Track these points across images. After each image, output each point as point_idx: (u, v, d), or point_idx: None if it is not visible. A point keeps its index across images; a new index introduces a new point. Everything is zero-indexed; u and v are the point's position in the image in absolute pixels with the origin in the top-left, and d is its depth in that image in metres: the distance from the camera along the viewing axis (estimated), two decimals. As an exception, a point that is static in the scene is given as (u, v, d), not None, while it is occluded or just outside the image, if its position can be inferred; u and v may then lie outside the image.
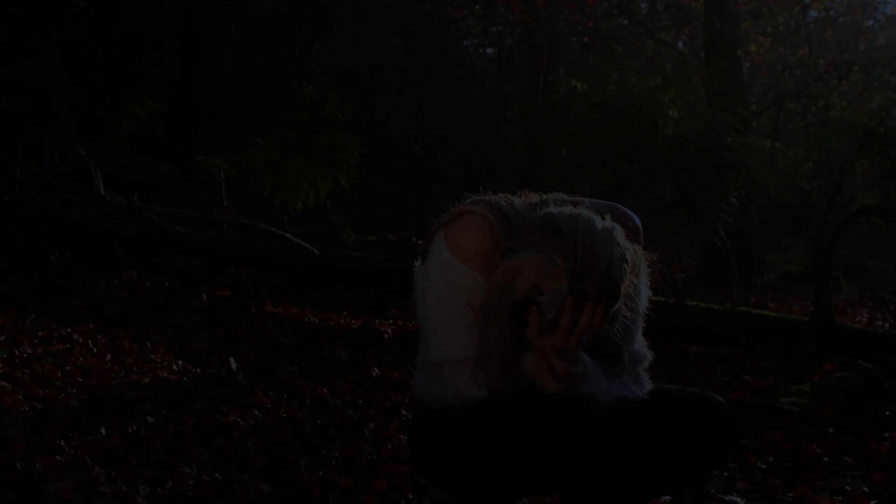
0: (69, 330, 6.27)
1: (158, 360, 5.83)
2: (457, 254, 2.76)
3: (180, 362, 5.82)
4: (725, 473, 4.18)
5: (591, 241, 2.59)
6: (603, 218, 2.67)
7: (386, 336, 6.94)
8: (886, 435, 4.74)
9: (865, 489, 4.00)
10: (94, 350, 5.91)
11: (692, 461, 2.92)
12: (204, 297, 7.77)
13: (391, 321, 7.54)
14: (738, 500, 3.82)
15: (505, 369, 2.72)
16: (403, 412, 4.96)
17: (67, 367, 5.41)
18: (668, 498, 3.79)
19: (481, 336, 2.73)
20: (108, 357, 5.79)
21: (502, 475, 2.78)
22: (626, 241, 2.67)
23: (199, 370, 5.70)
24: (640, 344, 2.97)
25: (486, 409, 2.77)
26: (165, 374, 5.55)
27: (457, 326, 2.79)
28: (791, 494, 3.91)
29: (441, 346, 2.82)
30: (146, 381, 5.35)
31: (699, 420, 2.89)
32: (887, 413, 5.12)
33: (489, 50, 18.66)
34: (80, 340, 6.04)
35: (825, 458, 4.38)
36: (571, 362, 2.66)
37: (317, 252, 8.36)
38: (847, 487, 4.00)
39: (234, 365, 5.82)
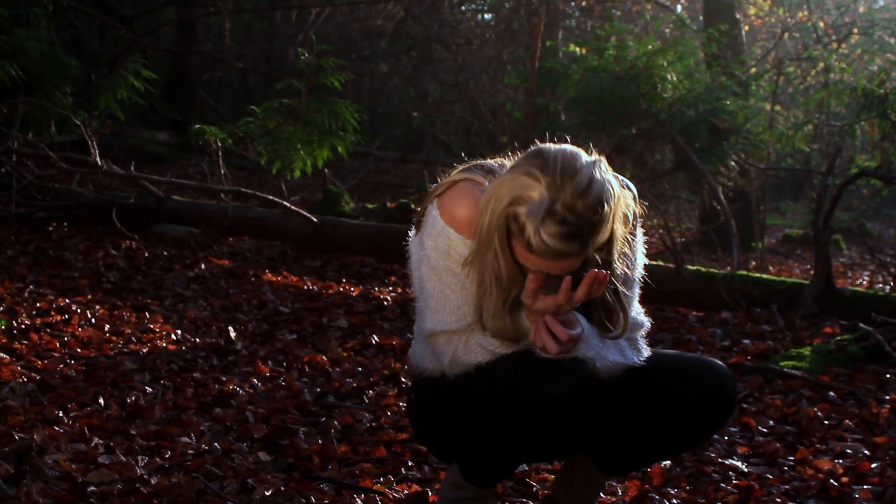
0: (67, 301, 6.26)
1: (157, 330, 5.82)
2: (451, 222, 2.74)
3: (179, 332, 5.81)
4: (726, 438, 4.18)
5: (572, 157, 2.59)
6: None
7: (385, 304, 6.93)
8: (887, 398, 4.73)
9: (866, 452, 3.99)
10: (93, 321, 5.90)
11: (692, 426, 2.91)
12: (202, 266, 7.76)
13: (390, 289, 7.53)
14: (739, 464, 3.82)
15: (505, 302, 2.71)
16: (403, 380, 4.96)
17: (66, 338, 5.40)
18: (668, 462, 3.79)
19: (479, 275, 2.71)
20: (107, 327, 5.78)
21: (500, 442, 2.77)
22: (615, 179, 2.65)
23: (197, 340, 5.69)
24: (638, 311, 2.95)
25: (483, 376, 2.76)
26: (164, 344, 5.54)
27: (452, 296, 2.78)
28: (792, 458, 3.91)
29: (436, 316, 2.81)
30: (145, 351, 5.35)
31: (698, 385, 2.87)
32: (888, 376, 5.11)
33: (487, 16, 18.59)
34: (79, 311, 6.03)
35: (826, 422, 4.37)
36: (568, 324, 2.65)
37: (315, 220, 8.34)
38: (848, 451, 4.00)
39: (232, 334, 5.82)
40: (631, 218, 2.73)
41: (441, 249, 2.76)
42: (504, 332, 2.73)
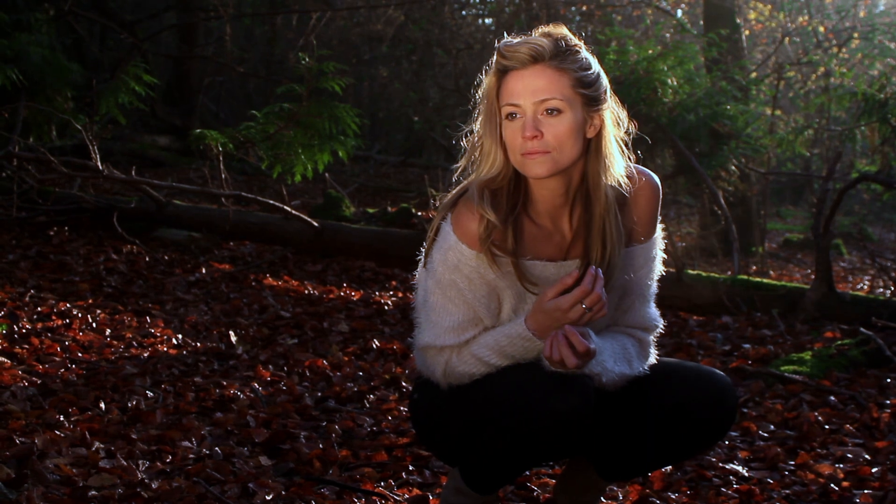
0: (68, 305, 6.27)
1: (158, 335, 5.82)
2: (463, 238, 2.74)
3: (180, 336, 5.82)
4: (727, 442, 4.18)
5: None
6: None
7: (386, 308, 6.93)
8: (888, 402, 4.73)
9: (867, 457, 3.99)
10: (94, 325, 5.90)
11: (692, 437, 2.91)
12: (203, 270, 7.76)
13: (391, 293, 7.53)
14: (740, 468, 3.82)
15: (505, 163, 2.74)
16: (404, 384, 4.96)
17: (67, 343, 5.40)
18: (669, 467, 3.79)
19: (486, 151, 2.76)
20: (108, 332, 5.78)
21: (501, 453, 2.77)
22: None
23: (198, 344, 5.70)
24: (655, 312, 2.96)
25: (487, 386, 2.76)
26: (165, 349, 5.55)
27: (453, 311, 2.78)
28: (792, 463, 3.91)
29: (434, 329, 2.82)
30: (145, 355, 5.35)
31: (700, 396, 2.87)
32: (888, 380, 5.11)
33: (488, 20, 18.58)
34: (80, 315, 6.03)
35: (826, 427, 4.37)
36: (583, 337, 2.65)
37: (316, 224, 8.34)
38: (848, 455, 4.00)
39: (233, 338, 5.82)
40: (621, 118, 2.78)
41: (450, 264, 2.76)
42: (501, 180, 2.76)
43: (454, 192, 2.83)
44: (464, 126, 2.85)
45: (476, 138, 2.79)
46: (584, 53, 2.71)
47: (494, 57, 2.71)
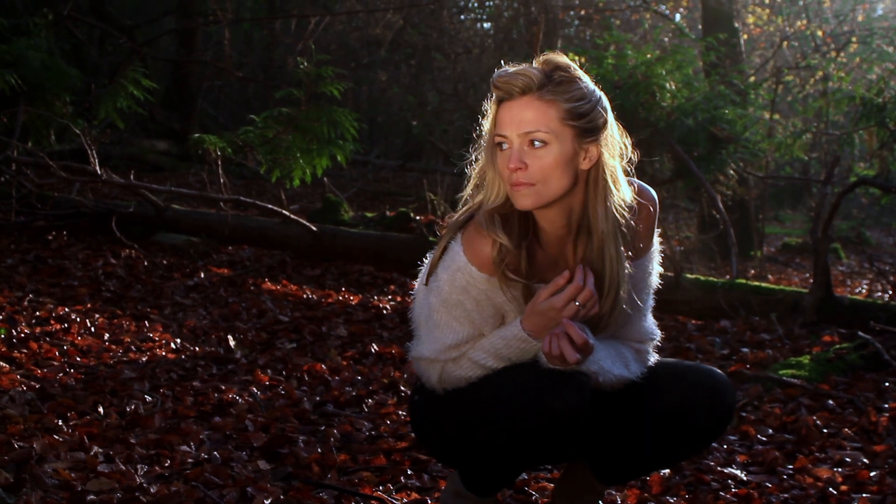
0: (67, 309, 6.26)
1: (156, 339, 5.82)
2: (474, 260, 2.74)
3: (178, 341, 5.82)
4: (725, 446, 4.18)
5: None
6: None
7: (385, 312, 6.93)
8: (886, 406, 4.73)
9: (865, 461, 4.00)
10: (92, 329, 5.90)
11: (690, 436, 2.91)
12: (202, 275, 7.76)
13: (390, 297, 7.53)
14: (738, 472, 3.82)
15: (501, 190, 2.73)
16: (402, 388, 4.96)
17: (65, 347, 5.40)
18: (667, 471, 3.79)
19: (489, 181, 2.76)
20: (106, 336, 5.78)
21: (499, 453, 2.77)
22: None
23: (197, 348, 5.69)
24: (651, 322, 2.96)
25: (485, 387, 2.77)
26: (163, 353, 5.54)
27: (458, 328, 2.79)
28: (791, 467, 3.91)
29: (435, 345, 2.82)
30: (144, 359, 5.35)
31: (698, 394, 2.88)
32: (887, 384, 5.11)
33: (486, 25, 18.60)
34: (78, 320, 6.03)
35: (825, 430, 4.37)
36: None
37: (315, 229, 8.34)
38: (847, 459, 4.00)
39: (232, 343, 5.82)
40: (624, 146, 2.76)
41: (458, 285, 2.76)
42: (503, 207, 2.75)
43: (462, 211, 2.83)
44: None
45: (478, 166, 2.79)
46: (582, 84, 2.68)
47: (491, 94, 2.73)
